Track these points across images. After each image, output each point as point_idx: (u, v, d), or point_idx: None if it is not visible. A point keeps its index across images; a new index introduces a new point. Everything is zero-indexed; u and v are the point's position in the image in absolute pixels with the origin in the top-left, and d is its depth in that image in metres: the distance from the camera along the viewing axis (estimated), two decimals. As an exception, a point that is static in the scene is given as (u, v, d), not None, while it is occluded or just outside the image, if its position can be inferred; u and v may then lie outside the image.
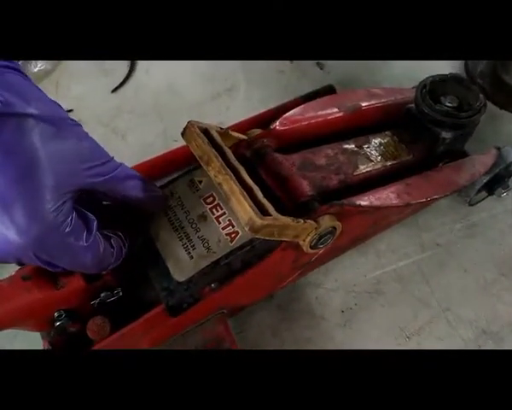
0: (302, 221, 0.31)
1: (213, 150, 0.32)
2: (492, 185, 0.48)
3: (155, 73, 0.65)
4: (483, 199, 0.51)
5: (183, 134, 0.33)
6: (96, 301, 0.32)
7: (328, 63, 0.66)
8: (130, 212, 0.33)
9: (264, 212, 0.29)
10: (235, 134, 0.37)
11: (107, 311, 0.32)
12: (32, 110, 0.25)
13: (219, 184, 0.30)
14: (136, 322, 0.31)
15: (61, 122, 0.27)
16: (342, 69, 0.65)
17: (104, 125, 0.60)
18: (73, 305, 0.31)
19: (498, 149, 0.46)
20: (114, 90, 0.63)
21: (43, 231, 0.25)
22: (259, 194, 0.31)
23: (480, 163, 0.42)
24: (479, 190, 0.48)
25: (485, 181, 0.46)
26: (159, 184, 0.36)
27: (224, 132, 0.36)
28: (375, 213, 0.39)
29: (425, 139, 0.43)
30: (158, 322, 0.32)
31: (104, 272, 0.32)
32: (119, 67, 0.66)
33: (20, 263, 0.27)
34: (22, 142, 0.25)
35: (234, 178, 0.30)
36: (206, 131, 0.34)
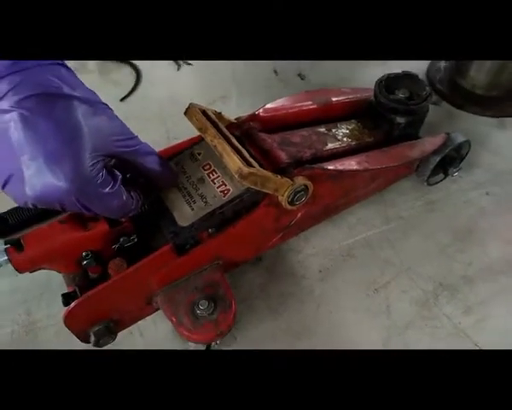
0: (280, 176, 0.40)
1: (209, 122, 0.40)
2: (446, 166, 0.57)
3: (159, 84, 0.75)
4: (440, 181, 0.60)
5: (185, 113, 0.42)
6: (116, 246, 0.40)
7: (309, 74, 0.76)
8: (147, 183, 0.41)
9: (249, 165, 0.38)
10: (227, 117, 0.46)
11: (124, 255, 0.40)
12: (76, 93, 0.34)
13: (215, 146, 0.39)
14: (147, 257, 0.39)
15: (96, 104, 0.35)
16: (321, 79, 0.75)
17: (114, 127, 0.69)
18: (98, 247, 0.39)
19: (448, 134, 0.55)
20: (123, 99, 0.73)
21: (82, 179, 0.33)
22: (246, 154, 0.39)
23: (429, 143, 0.51)
24: (434, 171, 0.56)
25: (437, 161, 0.54)
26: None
27: (217, 114, 0.44)
28: (343, 182, 0.47)
29: (383, 125, 0.52)
30: (165, 260, 0.40)
31: (124, 220, 0.40)
32: (127, 79, 0.75)
33: (62, 208, 0.35)
34: (70, 116, 0.33)
35: (226, 141, 0.39)
36: (203, 111, 0.43)
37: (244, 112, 0.67)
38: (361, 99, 0.54)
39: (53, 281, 0.52)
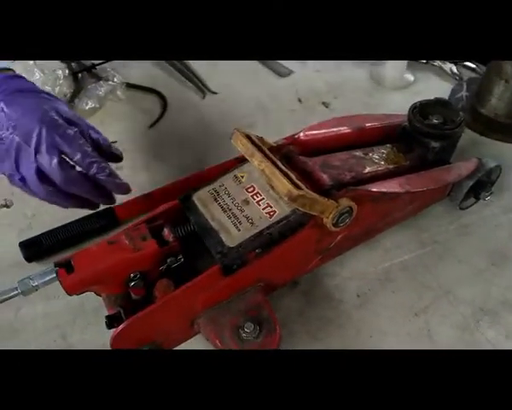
0: (326, 199, 0.40)
1: (255, 147, 0.41)
2: (477, 190, 0.57)
3: (185, 112, 0.77)
4: (472, 204, 0.60)
5: (231, 138, 0.43)
6: (164, 267, 0.40)
7: (332, 102, 0.78)
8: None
9: (297, 188, 0.38)
10: (267, 140, 0.47)
11: (170, 276, 0.40)
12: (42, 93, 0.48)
13: (262, 170, 0.40)
14: (196, 279, 0.38)
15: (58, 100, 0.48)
16: (344, 107, 0.77)
17: (145, 153, 0.70)
18: (146, 268, 0.39)
19: (479, 159, 0.56)
20: (151, 126, 0.74)
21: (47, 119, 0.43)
22: (293, 176, 0.40)
23: (464, 167, 0.52)
24: (467, 195, 0.57)
25: (470, 185, 0.55)
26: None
27: (259, 138, 0.45)
28: (384, 204, 0.47)
29: (418, 149, 0.52)
30: (213, 281, 0.39)
31: (171, 239, 0.40)
32: (155, 107, 0.77)
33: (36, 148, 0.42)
34: (37, 97, 0.46)
35: (273, 165, 0.40)
36: (247, 136, 0.43)
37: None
38: (393, 124, 0.55)
39: (86, 305, 0.51)
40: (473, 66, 0.82)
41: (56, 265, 0.37)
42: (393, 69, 0.79)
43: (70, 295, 0.38)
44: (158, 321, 0.39)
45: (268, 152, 0.42)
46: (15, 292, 0.38)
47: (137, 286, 0.39)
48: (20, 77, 0.49)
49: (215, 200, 0.44)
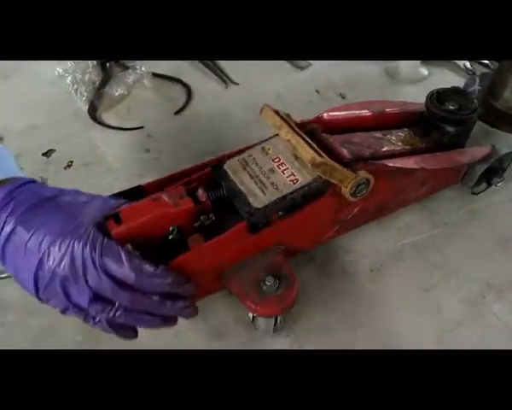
0: (346, 169, 0.43)
1: (283, 120, 0.45)
2: (490, 176, 0.60)
3: (209, 100, 0.80)
4: (484, 190, 0.63)
5: (260, 112, 0.47)
6: (197, 224, 0.43)
7: (348, 94, 0.81)
8: None
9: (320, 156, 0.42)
10: (293, 117, 0.50)
11: (202, 232, 0.44)
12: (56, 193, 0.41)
13: (289, 139, 0.43)
14: (225, 233, 0.42)
15: (74, 192, 0.43)
16: (359, 98, 0.80)
17: (170, 138, 0.74)
18: (183, 223, 0.43)
19: (493, 145, 0.59)
20: (177, 113, 0.78)
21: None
22: (316, 147, 0.43)
23: (478, 151, 0.55)
24: (479, 180, 0.60)
25: (483, 170, 0.58)
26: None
27: (286, 114, 0.49)
28: (399, 180, 0.51)
29: (434, 133, 0.56)
30: (239, 236, 0.43)
31: (204, 199, 0.43)
32: (180, 95, 0.81)
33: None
34: (59, 206, 0.40)
35: (298, 136, 0.43)
36: (276, 111, 0.47)
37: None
38: (411, 111, 0.59)
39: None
40: (486, 62, 0.85)
41: (106, 218, 0.41)
42: (408, 64, 0.83)
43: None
44: (189, 271, 0.42)
45: (294, 126, 0.46)
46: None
47: (175, 238, 0.42)
48: (32, 182, 0.41)
49: (244, 168, 0.47)
